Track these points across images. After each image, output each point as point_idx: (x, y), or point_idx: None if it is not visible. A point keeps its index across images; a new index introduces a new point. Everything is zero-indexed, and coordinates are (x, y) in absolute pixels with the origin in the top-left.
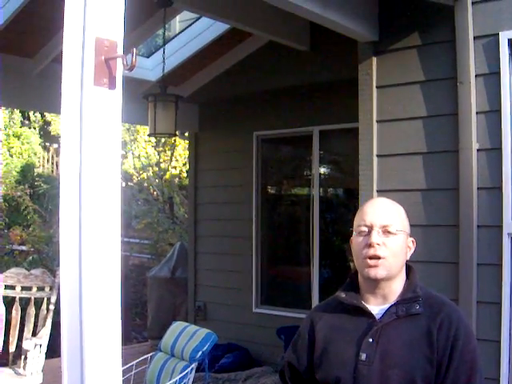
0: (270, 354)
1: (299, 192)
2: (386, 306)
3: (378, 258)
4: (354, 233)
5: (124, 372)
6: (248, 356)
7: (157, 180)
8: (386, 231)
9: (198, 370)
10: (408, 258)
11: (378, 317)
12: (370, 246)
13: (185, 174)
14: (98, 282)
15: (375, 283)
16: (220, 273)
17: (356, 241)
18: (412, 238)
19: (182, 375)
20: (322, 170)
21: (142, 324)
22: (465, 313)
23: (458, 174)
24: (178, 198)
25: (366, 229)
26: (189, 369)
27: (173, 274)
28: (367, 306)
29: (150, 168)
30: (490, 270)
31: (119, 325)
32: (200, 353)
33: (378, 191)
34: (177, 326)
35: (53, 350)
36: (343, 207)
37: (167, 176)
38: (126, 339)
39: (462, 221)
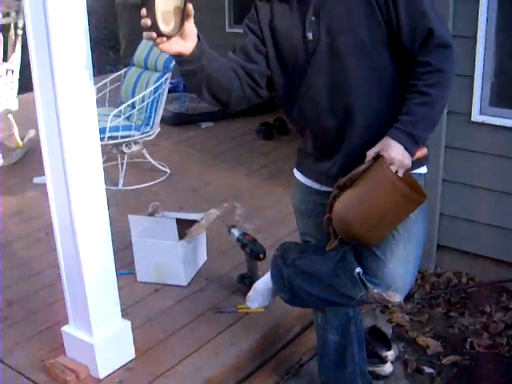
0: None
1: None
2: None
3: None
4: None
5: (98, 89)
6: None
7: None
8: None
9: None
10: None
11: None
12: None
13: None
14: None
15: None
16: None
17: None
18: None
19: (156, 85)
20: None
21: (116, 57)
22: None
23: None
24: None
25: None
26: (163, 79)
27: None
28: None
29: None
30: None
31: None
32: (173, 63)
33: None
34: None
35: (24, 87)
36: None
37: None
38: (101, 73)
39: None
